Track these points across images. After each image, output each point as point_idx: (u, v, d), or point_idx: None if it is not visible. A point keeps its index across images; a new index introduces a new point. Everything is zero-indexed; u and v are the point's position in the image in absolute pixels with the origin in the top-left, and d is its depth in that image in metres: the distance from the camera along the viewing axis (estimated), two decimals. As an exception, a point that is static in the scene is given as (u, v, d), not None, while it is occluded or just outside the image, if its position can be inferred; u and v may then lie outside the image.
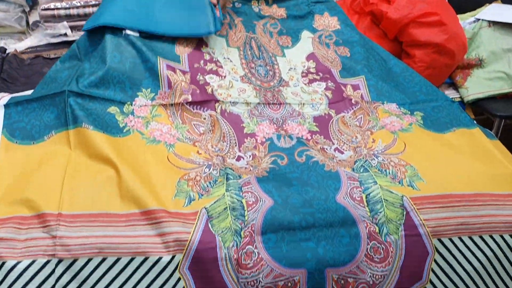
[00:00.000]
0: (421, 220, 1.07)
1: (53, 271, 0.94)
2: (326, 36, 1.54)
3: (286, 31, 1.57)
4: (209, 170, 1.14)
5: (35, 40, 1.88)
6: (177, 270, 0.98)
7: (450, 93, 1.88)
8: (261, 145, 1.23)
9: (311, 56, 1.50)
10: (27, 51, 1.85)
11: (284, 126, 1.28)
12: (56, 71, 1.31)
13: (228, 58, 1.43)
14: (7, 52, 1.82)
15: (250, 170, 1.15)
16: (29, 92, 1.33)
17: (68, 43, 1.86)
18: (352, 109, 1.35)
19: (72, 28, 1.87)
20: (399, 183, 1.12)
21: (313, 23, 1.60)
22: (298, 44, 1.54)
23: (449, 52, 1.75)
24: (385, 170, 1.15)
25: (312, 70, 1.45)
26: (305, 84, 1.41)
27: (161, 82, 1.31)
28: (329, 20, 1.59)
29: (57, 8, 1.85)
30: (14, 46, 1.87)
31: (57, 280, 0.94)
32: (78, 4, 1.85)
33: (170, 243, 0.98)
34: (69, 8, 1.85)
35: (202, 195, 1.08)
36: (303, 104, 1.35)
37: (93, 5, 1.88)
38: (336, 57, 1.48)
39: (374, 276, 1.04)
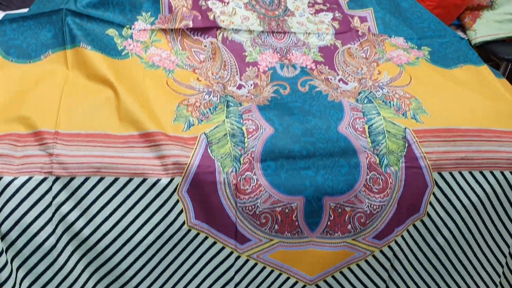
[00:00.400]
0: (422, 153, 1.06)
1: (50, 189, 0.94)
2: None
3: None
4: (209, 97, 1.12)
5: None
6: (175, 193, 0.97)
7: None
8: (263, 74, 1.20)
9: None
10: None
11: (288, 55, 1.25)
12: None
13: None
14: (2, -27, 1.76)
15: (251, 98, 1.13)
16: (25, 10, 1.29)
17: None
18: (359, 40, 1.32)
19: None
20: (403, 115, 1.10)
21: None
22: None
23: (460, -9, 1.69)
24: (389, 102, 1.13)
25: (319, 0, 1.40)
26: (311, 14, 1.36)
27: (162, 6, 1.27)
28: None
29: None
30: (9, -33, 1.80)
31: (54, 198, 0.94)
32: None
33: (169, 166, 0.97)
34: None
35: (201, 120, 1.06)
36: (309, 33, 1.31)
37: None
38: None
39: (372, 206, 1.04)
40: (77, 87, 1.08)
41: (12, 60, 1.12)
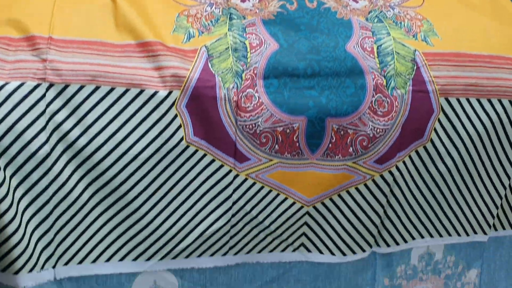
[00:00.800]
0: (431, 76, 1.02)
1: (43, 96, 0.89)
2: None
3: None
4: (211, 9, 1.06)
5: None
6: (173, 107, 0.94)
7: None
8: None
9: None
10: None
11: None
12: None
13: None
14: None
15: (256, 12, 1.08)
16: None
17: None
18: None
19: None
20: (413, 37, 1.05)
21: None
22: None
23: None
24: (400, 23, 1.08)
25: None
26: None
27: None
28: None
29: None
30: None
31: (48, 105, 0.90)
32: None
33: (167, 78, 0.93)
34: None
35: (202, 32, 1.01)
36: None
37: None
38: None
39: (375, 129, 1.01)
40: None
41: None
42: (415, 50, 1.03)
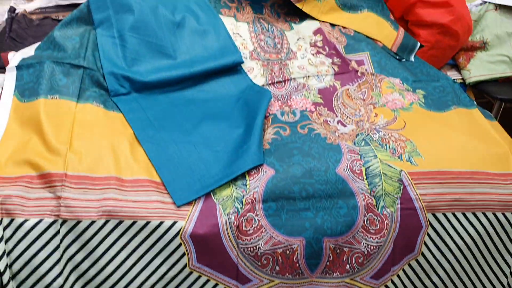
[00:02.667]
0: (417, 194, 1.10)
1: (58, 232, 0.98)
2: None
3: (294, 12, 1.57)
4: None
5: (44, 1, 1.88)
6: (178, 236, 1.01)
7: (452, 74, 1.89)
8: (264, 119, 1.25)
9: (318, 31, 1.51)
10: (36, 12, 1.85)
11: (288, 101, 1.30)
12: (65, 37, 1.32)
13: (238, 33, 1.44)
14: (16, 12, 1.83)
15: None
16: (37, 44, 1.35)
17: (76, 6, 1.86)
18: (357, 81, 1.38)
19: (81, -9, 1.87)
20: (399, 158, 1.15)
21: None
22: (305, 21, 1.54)
23: (454, 33, 1.76)
24: (386, 145, 1.18)
25: (319, 44, 1.46)
26: (313, 55, 1.42)
27: None
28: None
29: (66, -30, 1.85)
30: (23, 6, 1.87)
31: (62, 240, 0.98)
32: (88, -33, 1.84)
33: (171, 210, 1.02)
34: (78, -30, 1.85)
35: None
36: (308, 76, 1.37)
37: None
38: (341, 34, 1.50)
39: (369, 246, 1.08)
40: (85, 129, 1.13)
41: (24, 101, 1.18)
42: (401, 171, 1.12)
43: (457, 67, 1.92)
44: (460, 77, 1.88)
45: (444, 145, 1.19)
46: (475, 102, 1.37)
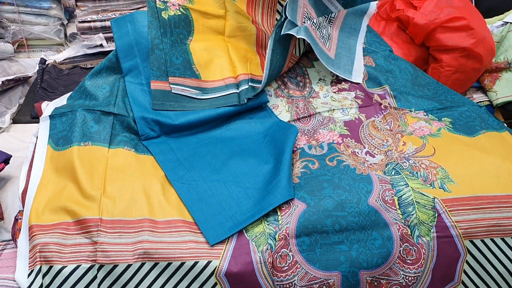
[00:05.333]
0: (452, 221, 1.08)
1: (95, 277, 1.00)
2: None
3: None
4: None
5: (73, 51, 1.97)
6: (213, 275, 1.01)
7: (479, 97, 1.88)
8: (292, 153, 1.26)
9: None
10: (65, 62, 1.94)
11: (315, 135, 1.31)
12: (96, 87, 1.37)
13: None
14: (47, 63, 1.91)
15: None
16: (68, 94, 1.40)
17: (104, 53, 1.93)
18: (382, 113, 1.38)
19: (108, 39, 1.95)
20: (431, 185, 1.14)
21: None
22: None
23: (477, 56, 1.75)
24: (417, 173, 1.17)
25: (341, 78, 1.48)
26: (335, 93, 1.44)
27: None
28: None
29: (94, 21, 1.93)
30: (53, 57, 1.96)
31: (99, 285, 1.00)
32: (113, 16, 1.93)
33: (205, 249, 1.02)
34: (104, 20, 1.93)
35: None
36: (333, 110, 1.38)
37: (127, 17, 1.95)
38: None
39: (407, 278, 1.06)
40: (117, 173, 1.16)
41: (59, 150, 1.22)
42: (434, 198, 1.11)
43: (483, 89, 1.90)
44: (487, 99, 1.87)
45: (477, 169, 1.18)
46: (505, 124, 1.35)
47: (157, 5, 1.43)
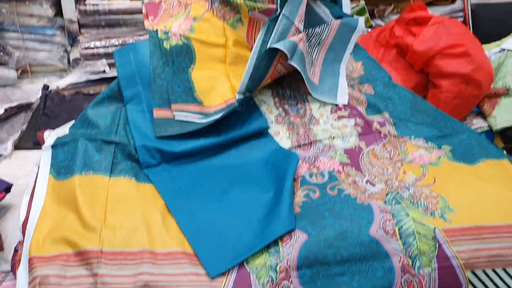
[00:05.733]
0: (454, 252, 1.08)
1: None
2: (350, 79, 1.58)
3: None
4: None
5: (76, 77, 1.99)
6: None
7: (478, 122, 1.89)
8: (293, 181, 1.26)
9: None
10: (68, 88, 1.96)
11: (316, 163, 1.31)
12: (98, 115, 1.39)
13: (262, 100, 1.48)
14: (49, 89, 1.93)
15: None
16: (71, 123, 1.41)
17: (106, 80, 1.95)
18: (382, 141, 1.38)
19: (110, 65, 1.97)
20: (431, 215, 1.14)
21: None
22: None
23: (476, 82, 1.77)
24: (417, 202, 1.17)
25: (340, 105, 1.49)
26: (335, 120, 1.45)
27: None
28: (353, 65, 1.63)
29: (97, 47, 1.96)
30: (56, 83, 1.98)
31: None
32: (116, 43, 1.95)
33: (205, 282, 1.02)
34: (107, 46, 1.95)
35: None
36: (333, 137, 1.38)
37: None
38: (361, 95, 1.52)
39: None
40: (118, 203, 1.16)
41: (60, 179, 1.22)
42: (435, 228, 1.11)
43: (483, 115, 1.91)
44: (487, 125, 1.87)
45: (477, 198, 1.18)
46: (504, 152, 1.36)
47: (159, 36, 1.45)
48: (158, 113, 1.35)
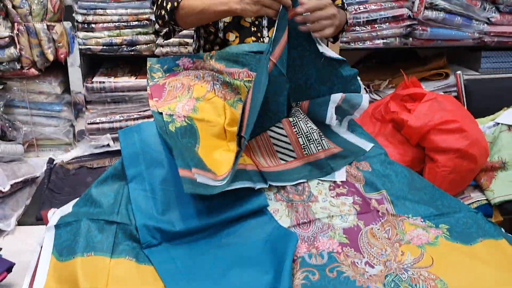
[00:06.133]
0: None
1: None
2: None
3: None
4: None
5: (80, 151, 2.05)
6: None
7: (476, 196, 1.91)
8: (292, 263, 1.27)
9: None
10: (73, 162, 2.01)
11: (315, 243, 1.32)
12: (101, 194, 1.42)
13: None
14: (54, 162, 1.98)
15: None
16: (74, 201, 1.44)
17: (110, 153, 2.01)
18: (380, 220, 1.40)
19: (114, 139, 2.03)
20: (430, 298, 1.14)
21: None
22: None
23: (472, 157, 1.81)
24: (416, 285, 1.17)
25: (338, 182, 1.52)
26: (333, 197, 1.47)
27: None
28: None
29: (102, 122, 2.02)
30: (61, 156, 2.04)
31: None
32: (121, 118, 2.02)
33: None
34: (112, 122, 2.02)
35: None
36: (332, 216, 1.40)
37: (134, 119, 2.05)
38: (358, 172, 1.55)
39: None
40: (119, 286, 1.17)
41: (62, 260, 1.24)
42: (434, 312, 1.10)
43: (480, 188, 1.94)
44: (485, 198, 1.90)
45: (475, 281, 1.18)
46: (502, 230, 1.37)
47: (164, 119, 1.51)
48: (183, 172, 1.36)
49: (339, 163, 1.53)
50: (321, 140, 1.52)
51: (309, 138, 1.52)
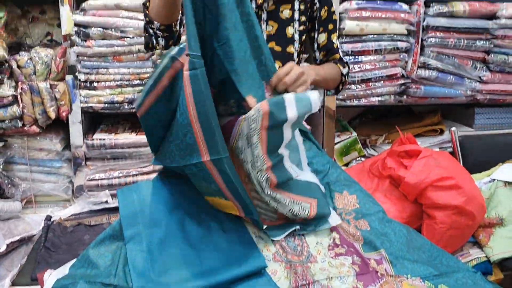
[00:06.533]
0: None
1: None
2: (346, 213, 1.63)
3: None
4: None
5: (78, 208, 2.04)
6: None
7: (475, 252, 1.90)
8: None
9: (334, 228, 1.57)
10: (70, 219, 2.00)
11: None
12: (98, 255, 1.41)
13: (260, 237, 1.51)
14: (52, 219, 1.97)
15: None
16: (72, 261, 1.43)
17: (108, 210, 2.00)
18: (379, 281, 1.39)
19: (113, 195, 2.03)
20: None
21: (333, 201, 1.70)
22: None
23: (469, 213, 1.81)
24: None
25: (337, 241, 1.52)
26: (332, 258, 1.46)
27: None
28: (348, 198, 1.69)
29: (101, 179, 2.03)
30: (59, 213, 2.03)
31: None
32: (120, 175, 2.03)
33: None
34: (111, 178, 2.03)
35: None
36: (331, 278, 1.39)
37: (133, 175, 2.06)
38: (357, 231, 1.55)
39: None
40: None
41: None
42: None
43: (479, 245, 1.93)
44: (484, 255, 1.89)
45: None
46: (501, 289, 1.37)
47: None
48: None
49: (326, 209, 1.55)
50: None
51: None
